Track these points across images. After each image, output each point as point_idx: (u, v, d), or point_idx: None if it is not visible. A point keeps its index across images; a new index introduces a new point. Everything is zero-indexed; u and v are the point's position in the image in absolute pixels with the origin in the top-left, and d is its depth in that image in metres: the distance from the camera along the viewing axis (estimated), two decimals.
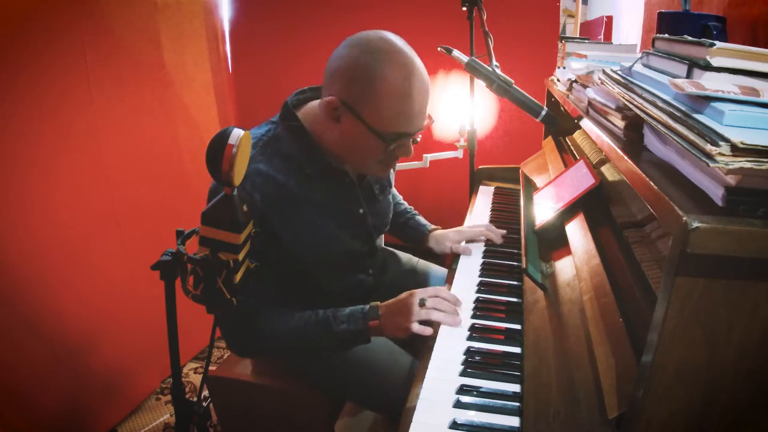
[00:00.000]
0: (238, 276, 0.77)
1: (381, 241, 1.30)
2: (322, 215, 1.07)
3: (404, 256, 1.50)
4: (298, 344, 1.06)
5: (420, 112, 0.98)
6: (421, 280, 1.45)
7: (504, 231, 1.42)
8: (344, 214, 1.11)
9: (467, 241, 1.40)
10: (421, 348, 1.00)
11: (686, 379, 0.55)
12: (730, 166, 0.50)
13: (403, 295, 1.05)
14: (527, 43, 2.36)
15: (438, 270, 1.48)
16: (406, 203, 1.54)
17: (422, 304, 1.02)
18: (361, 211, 1.14)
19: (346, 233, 1.12)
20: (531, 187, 1.56)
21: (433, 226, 1.46)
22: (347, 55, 0.95)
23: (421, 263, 1.50)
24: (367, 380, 1.13)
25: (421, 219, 1.49)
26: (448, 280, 1.24)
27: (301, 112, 1.06)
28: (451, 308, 1.05)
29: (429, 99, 0.99)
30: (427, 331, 1.00)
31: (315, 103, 1.07)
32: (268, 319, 1.05)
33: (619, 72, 0.94)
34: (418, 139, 1.04)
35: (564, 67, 1.72)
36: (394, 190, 1.55)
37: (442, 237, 1.41)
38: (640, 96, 0.75)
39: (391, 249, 1.51)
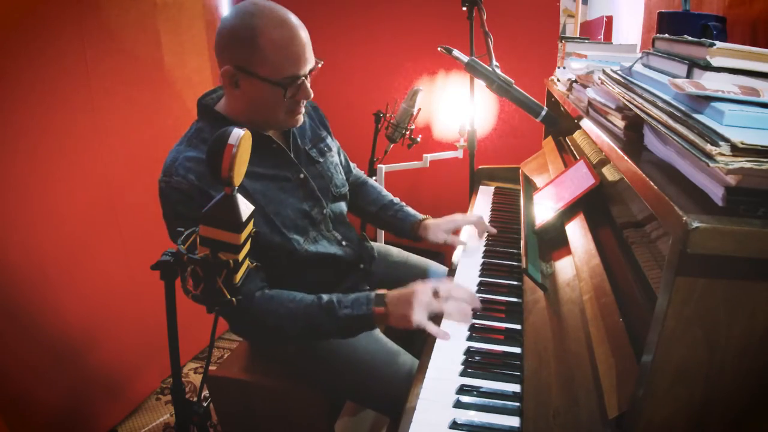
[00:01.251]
0: (238, 276, 0.77)
1: (340, 208, 1.30)
2: (263, 183, 1.11)
3: (394, 250, 1.51)
4: (301, 329, 1.06)
5: (303, 53, 1.06)
6: (418, 273, 1.44)
7: (494, 230, 1.43)
8: (285, 179, 1.16)
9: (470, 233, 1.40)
10: (421, 348, 0.99)
11: (686, 379, 0.55)
12: (730, 166, 0.50)
13: (415, 284, 1.04)
14: (527, 43, 2.36)
15: (437, 267, 1.47)
16: (391, 195, 1.52)
17: (436, 293, 1.01)
18: (301, 175, 1.19)
19: (291, 197, 1.16)
20: (531, 187, 1.56)
21: (423, 216, 1.44)
22: (226, 27, 1.05)
23: (414, 257, 1.49)
24: (367, 380, 1.13)
25: (411, 210, 1.47)
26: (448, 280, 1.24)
27: (216, 106, 1.15)
28: (469, 297, 1.03)
29: (309, 41, 1.07)
30: (441, 334, 0.98)
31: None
32: (270, 302, 1.05)
33: (619, 72, 0.94)
34: (307, 84, 1.09)
35: (564, 67, 1.72)
36: (367, 176, 1.54)
37: (435, 226, 1.39)
38: (640, 96, 0.75)
39: (380, 244, 1.51)
